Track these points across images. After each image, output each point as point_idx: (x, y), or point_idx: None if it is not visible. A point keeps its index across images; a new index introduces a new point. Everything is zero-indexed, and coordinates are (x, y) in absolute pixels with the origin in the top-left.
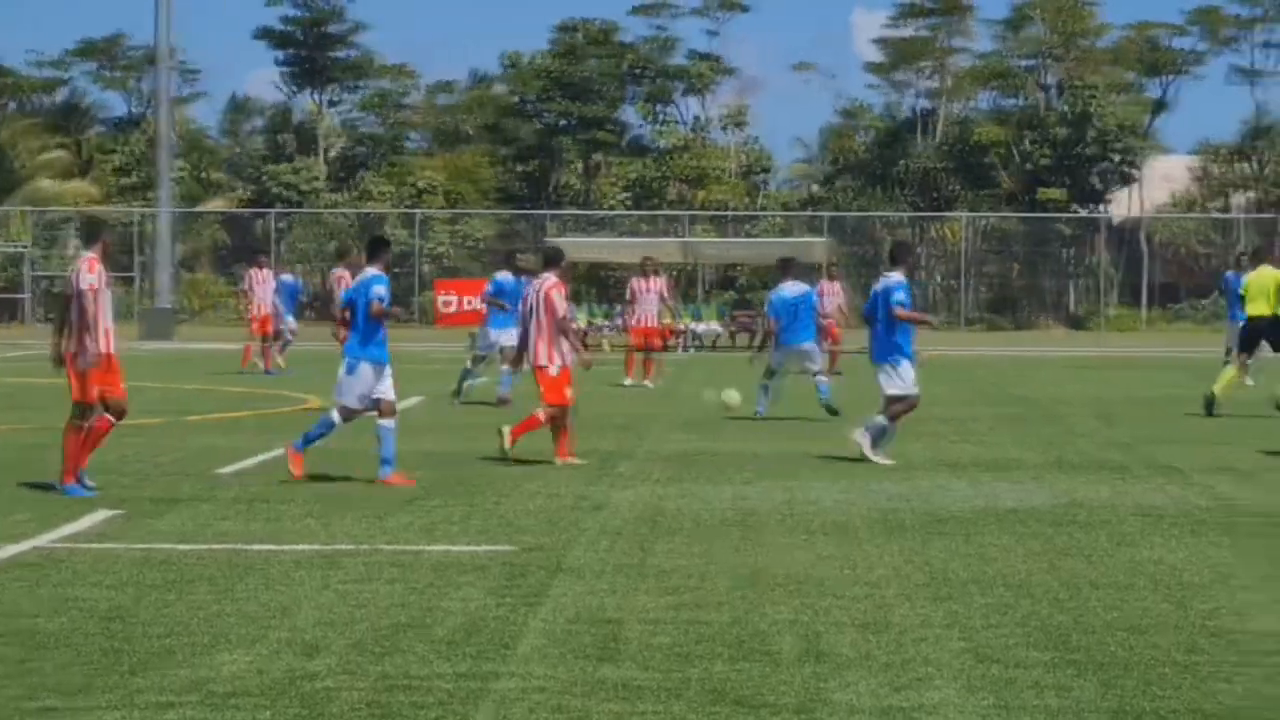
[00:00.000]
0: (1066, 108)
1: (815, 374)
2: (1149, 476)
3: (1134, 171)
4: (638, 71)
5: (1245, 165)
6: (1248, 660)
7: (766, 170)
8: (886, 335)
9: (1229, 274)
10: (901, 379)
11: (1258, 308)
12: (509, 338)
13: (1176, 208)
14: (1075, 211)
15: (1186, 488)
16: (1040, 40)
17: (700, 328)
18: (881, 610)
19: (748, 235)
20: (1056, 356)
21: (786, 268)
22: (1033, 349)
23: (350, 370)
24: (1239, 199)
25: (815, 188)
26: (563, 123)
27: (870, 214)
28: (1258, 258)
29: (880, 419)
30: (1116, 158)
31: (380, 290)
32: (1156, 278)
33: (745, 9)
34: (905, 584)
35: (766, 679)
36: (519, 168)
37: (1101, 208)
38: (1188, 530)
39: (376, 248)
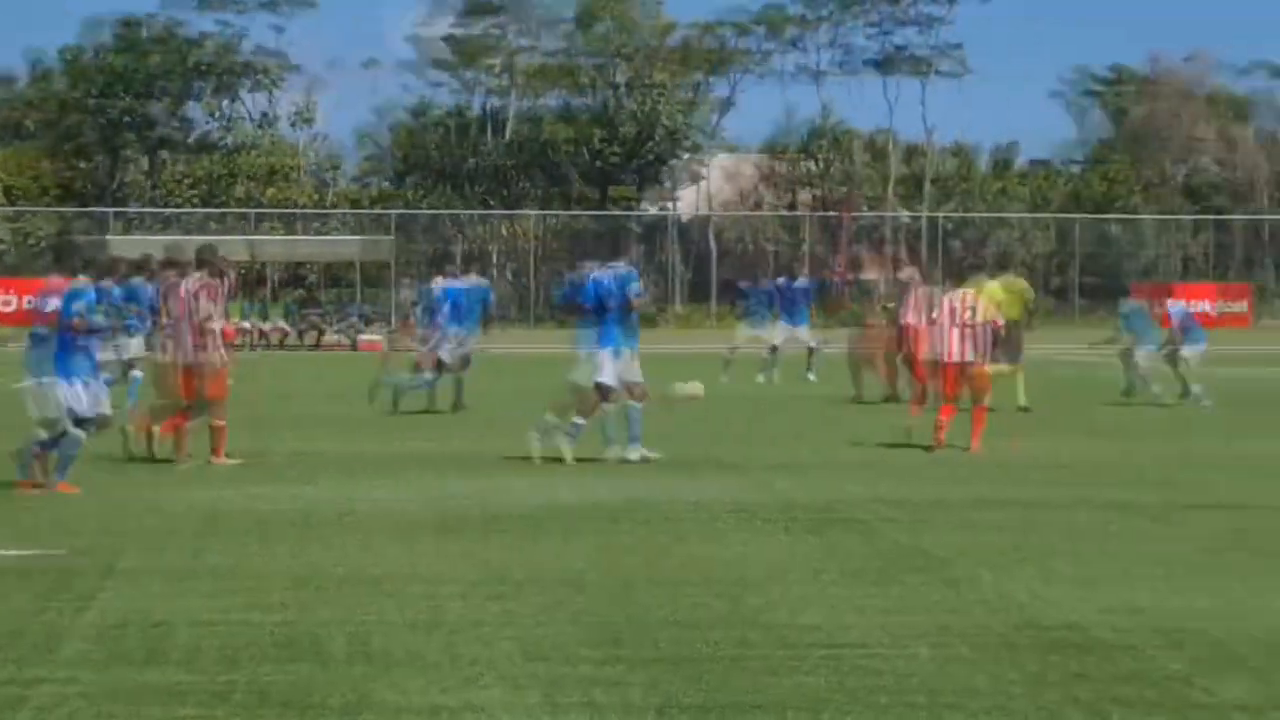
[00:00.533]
0: (635, 106)
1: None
2: (710, 473)
3: (702, 170)
4: (203, 67)
5: (810, 163)
6: (795, 654)
7: (336, 168)
8: (616, 323)
9: (783, 280)
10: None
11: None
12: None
13: (744, 205)
14: (645, 209)
15: (745, 484)
16: (608, 39)
17: (266, 326)
18: (435, 609)
19: (317, 233)
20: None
21: None
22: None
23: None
24: (804, 196)
25: (385, 185)
26: (126, 119)
27: (441, 212)
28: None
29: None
30: (685, 156)
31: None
32: (724, 275)
33: (313, 5)
34: (461, 583)
35: (315, 680)
36: (81, 165)
37: (670, 206)
38: (745, 526)
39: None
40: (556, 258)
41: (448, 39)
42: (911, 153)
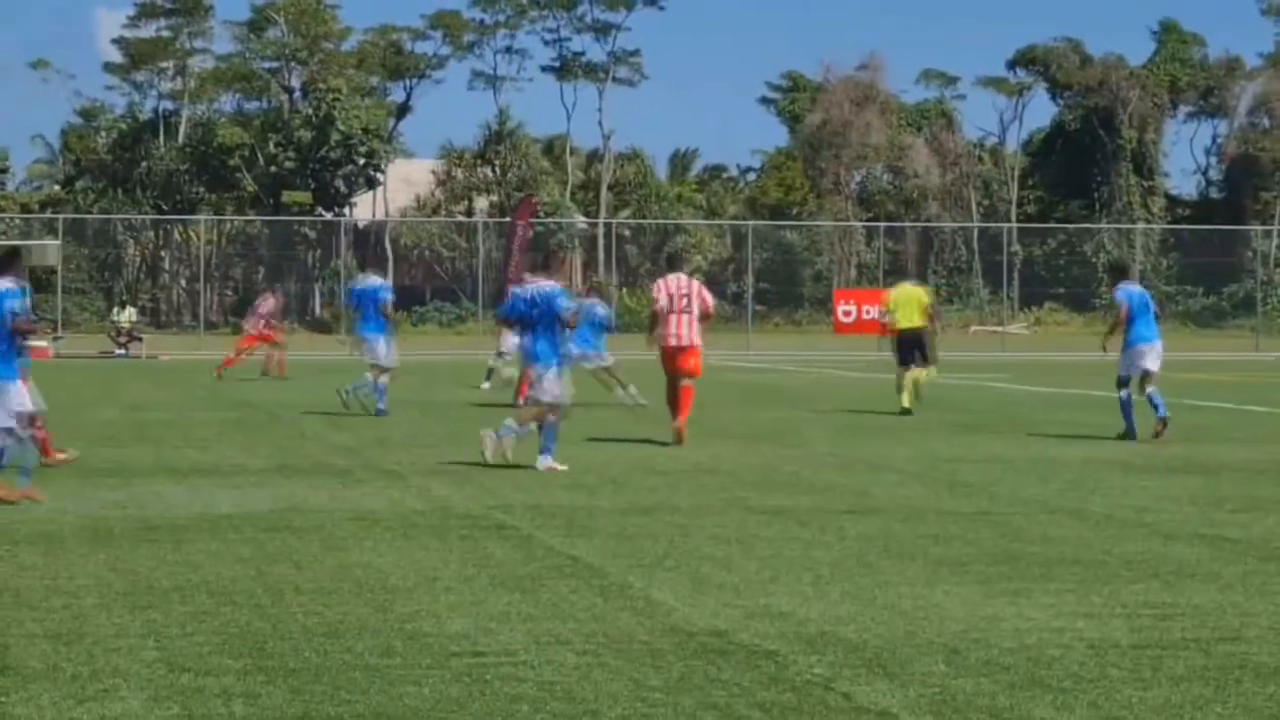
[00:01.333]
0: (310, 110)
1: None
2: (369, 480)
3: (378, 175)
4: None
5: (488, 169)
6: (439, 662)
7: (3, 170)
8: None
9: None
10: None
11: (909, 319)
12: None
13: (420, 211)
14: (319, 214)
15: (404, 491)
16: (283, 43)
17: None
18: (77, 620)
19: None
20: (295, 360)
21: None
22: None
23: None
24: (482, 202)
25: (56, 189)
26: None
27: (112, 216)
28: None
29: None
30: (361, 161)
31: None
32: (402, 280)
33: None
34: (106, 593)
35: None
36: None
37: (345, 211)
38: (400, 534)
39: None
40: (230, 263)
41: (118, 41)
42: (589, 159)
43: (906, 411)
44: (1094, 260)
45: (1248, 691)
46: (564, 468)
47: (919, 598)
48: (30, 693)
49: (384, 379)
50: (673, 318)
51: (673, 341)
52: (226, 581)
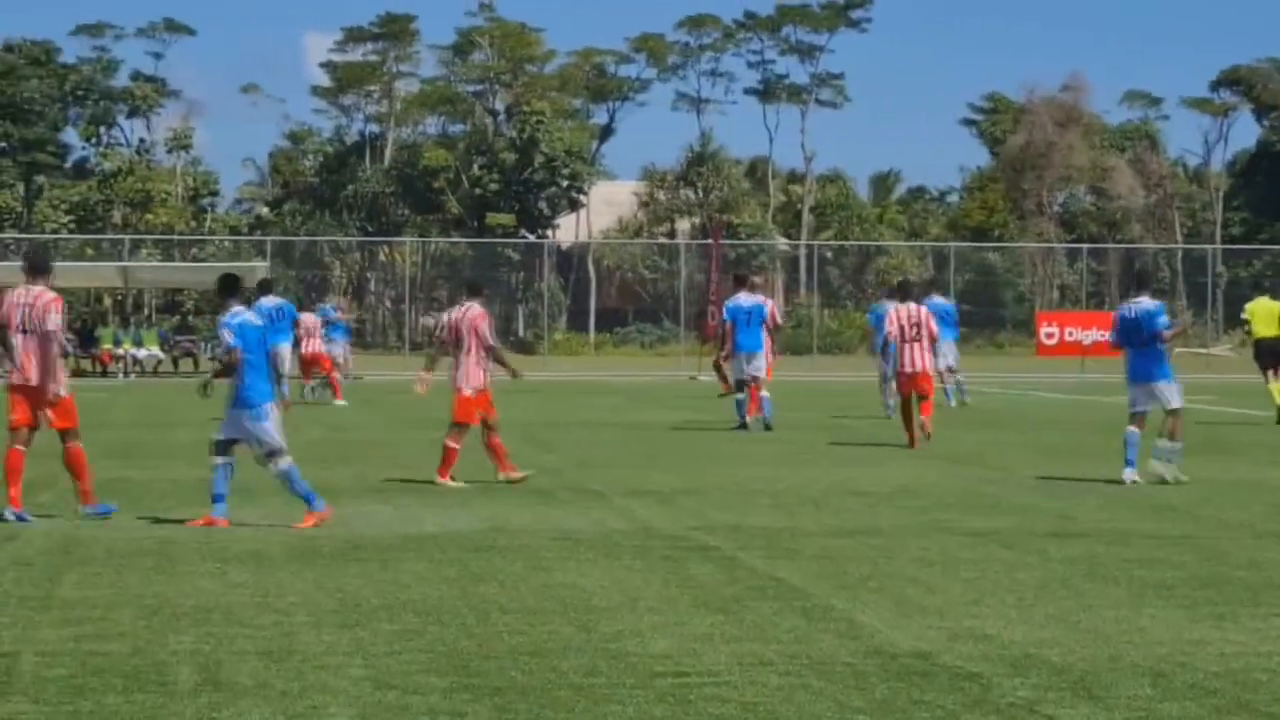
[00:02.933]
0: (514, 133)
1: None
2: (572, 500)
3: (581, 197)
4: (80, 93)
5: (689, 192)
6: (643, 682)
7: (214, 193)
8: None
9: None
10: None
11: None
12: None
13: (623, 233)
14: (523, 236)
15: (606, 511)
16: (487, 66)
17: (141, 353)
18: (286, 638)
19: (194, 259)
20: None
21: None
22: None
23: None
24: (683, 225)
25: (264, 211)
26: (2, 145)
27: (318, 238)
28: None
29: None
30: (564, 183)
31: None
32: (605, 302)
33: (191, 32)
34: (314, 611)
35: (160, 709)
36: None
37: (549, 233)
38: (603, 554)
39: (231, 286)
40: (434, 285)
41: (326, 65)
42: (790, 180)
43: None
44: None
45: None
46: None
47: (1123, 621)
48: (240, 708)
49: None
50: (906, 346)
51: (908, 369)
52: (433, 601)
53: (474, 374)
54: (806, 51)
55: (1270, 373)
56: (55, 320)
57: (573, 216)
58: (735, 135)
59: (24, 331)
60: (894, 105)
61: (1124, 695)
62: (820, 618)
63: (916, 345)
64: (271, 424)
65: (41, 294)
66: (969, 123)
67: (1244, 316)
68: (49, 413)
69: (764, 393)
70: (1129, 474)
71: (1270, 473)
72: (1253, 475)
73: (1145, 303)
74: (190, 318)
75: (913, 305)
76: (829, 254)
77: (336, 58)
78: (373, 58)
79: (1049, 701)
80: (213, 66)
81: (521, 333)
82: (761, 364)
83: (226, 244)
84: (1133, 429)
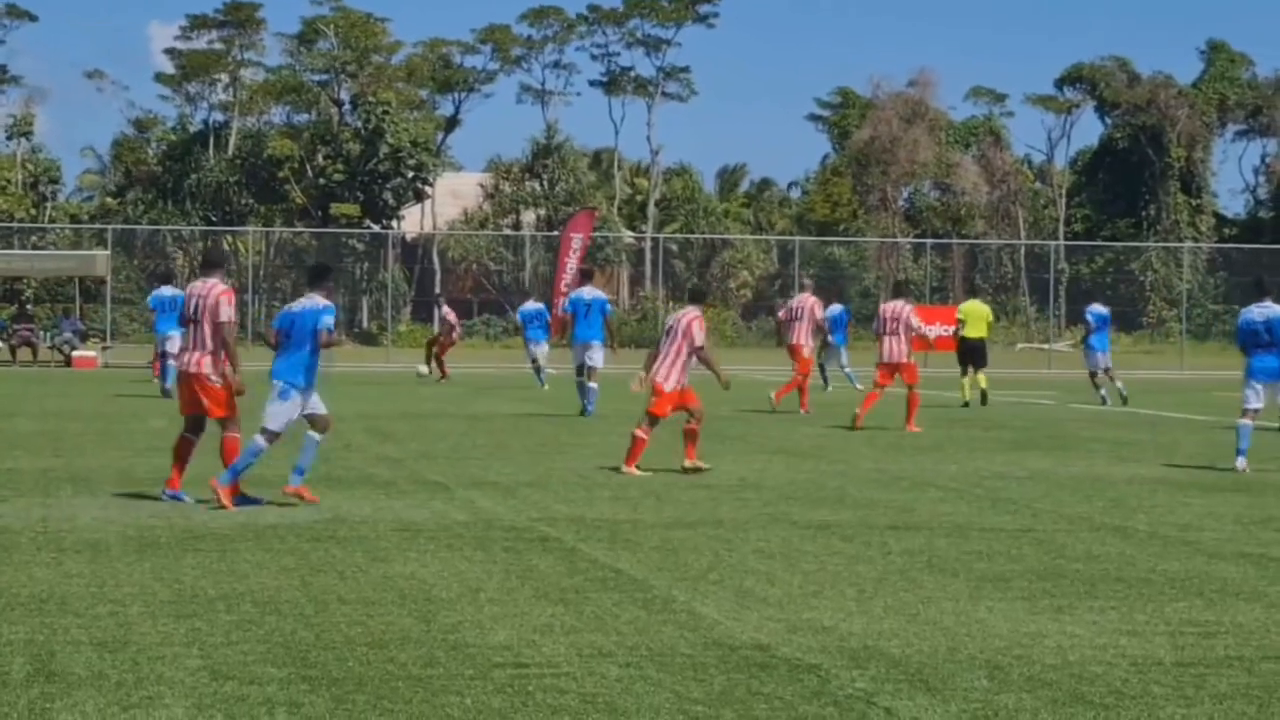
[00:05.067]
0: (359, 123)
1: None
2: (413, 491)
3: (426, 188)
4: None
5: (535, 183)
6: (481, 673)
7: (55, 181)
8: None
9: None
10: None
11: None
12: None
13: (468, 224)
14: (368, 227)
15: (448, 503)
16: (333, 56)
17: None
18: (122, 628)
19: (35, 247)
20: (341, 372)
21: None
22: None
23: (284, 396)
24: (529, 216)
25: (107, 199)
26: None
27: (161, 227)
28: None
29: None
30: (409, 174)
31: (330, 321)
32: (448, 294)
33: (34, 18)
34: (151, 601)
35: None
36: None
37: (394, 224)
38: (444, 545)
39: (322, 275)
40: (278, 274)
41: (171, 52)
42: (636, 174)
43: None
44: (1141, 279)
45: None
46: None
47: (962, 613)
48: (75, 699)
49: None
50: (885, 339)
51: (886, 358)
52: (271, 591)
53: (674, 372)
54: (653, 45)
55: (970, 369)
56: (226, 312)
57: (418, 208)
58: (582, 128)
59: (195, 322)
60: (742, 99)
61: (961, 687)
62: (660, 609)
63: (894, 338)
64: (278, 406)
65: (214, 286)
66: (816, 118)
67: (959, 316)
68: (206, 402)
69: (593, 384)
70: (1240, 463)
71: (1108, 468)
72: (1091, 470)
73: (1273, 307)
74: (29, 306)
75: (898, 302)
76: (674, 247)
77: (181, 45)
78: (218, 46)
79: (886, 693)
80: (56, 53)
81: (365, 324)
82: (599, 355)
83: (67, 232)
84: (1246, 422)
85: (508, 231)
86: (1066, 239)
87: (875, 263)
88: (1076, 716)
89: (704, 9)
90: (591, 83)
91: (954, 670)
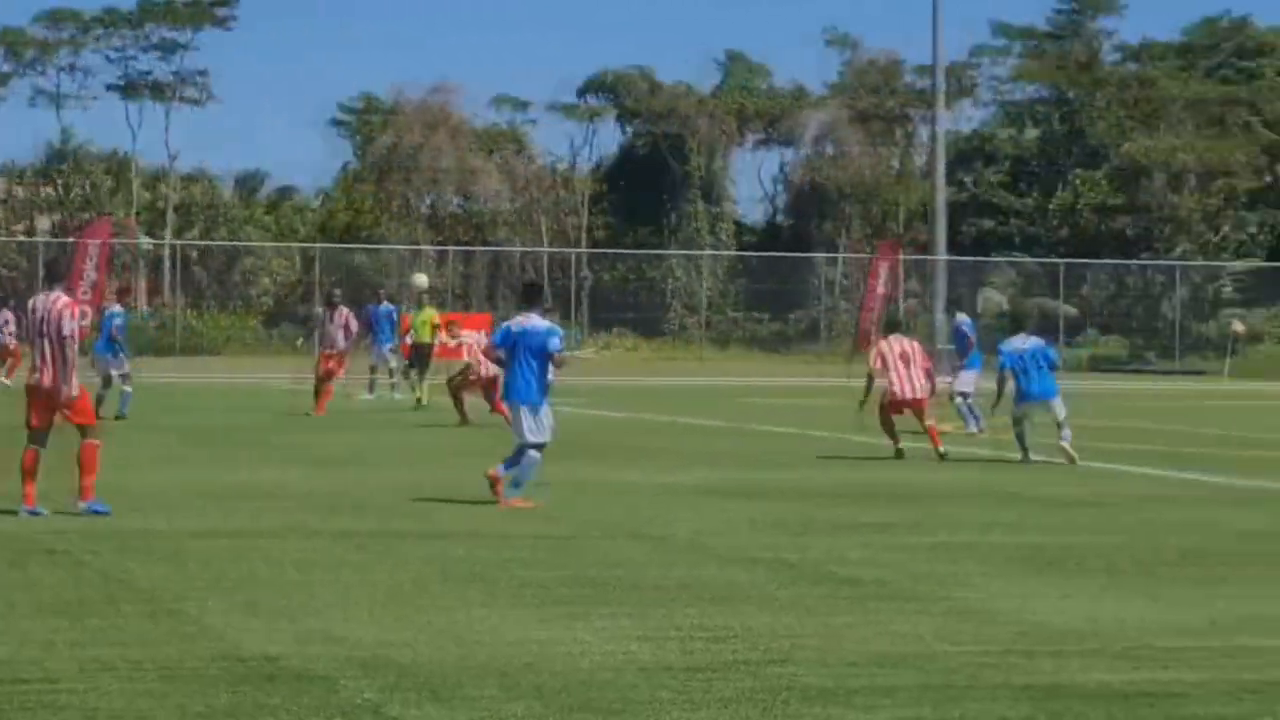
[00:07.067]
0: None
1: None
2: None
3: None
4: None
5: (49, 189)
6: None
7: None
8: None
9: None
10: None
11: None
12: None
13: None
14: None
15: None
16: None
17: None
18: None
19: None
20: None
21: None
22: None
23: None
24: (43, 222)
25: None
26: None
27: None
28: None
29: None
30: None
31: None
32: None
33: None
34: None
35: None
36: None
37: None
38: None
39: (535, 295)
40: None
41: None
42: (155, 179)
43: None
44: (663, 286)
45: (794, 713)
46: None
47: (476, 621)
48: None
49: None
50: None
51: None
52: None
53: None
54: (169, 48)
55: (416, 373)
56: (70, 325)
57: None
58: (99, 132)
59: (41, 336)
60: (262, 104)
61: (470, 695)
62: (167, 621)
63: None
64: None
65: (57, 299)
66: (339, 123)
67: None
68: (67, 413)
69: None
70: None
71: (625, 473)
72: (608, 476)
73: (1033, 339)
74: None
75: (905, 339)
76: (194, 254)
77: None
78: None
79: (395, 702)
80: None
81: None
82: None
83: None
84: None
85: (21, 238)
86: (589, 246)
87: (398, 270)
88: None
89: (221, 12)
90: (108, 86)
91: (464, 679)
